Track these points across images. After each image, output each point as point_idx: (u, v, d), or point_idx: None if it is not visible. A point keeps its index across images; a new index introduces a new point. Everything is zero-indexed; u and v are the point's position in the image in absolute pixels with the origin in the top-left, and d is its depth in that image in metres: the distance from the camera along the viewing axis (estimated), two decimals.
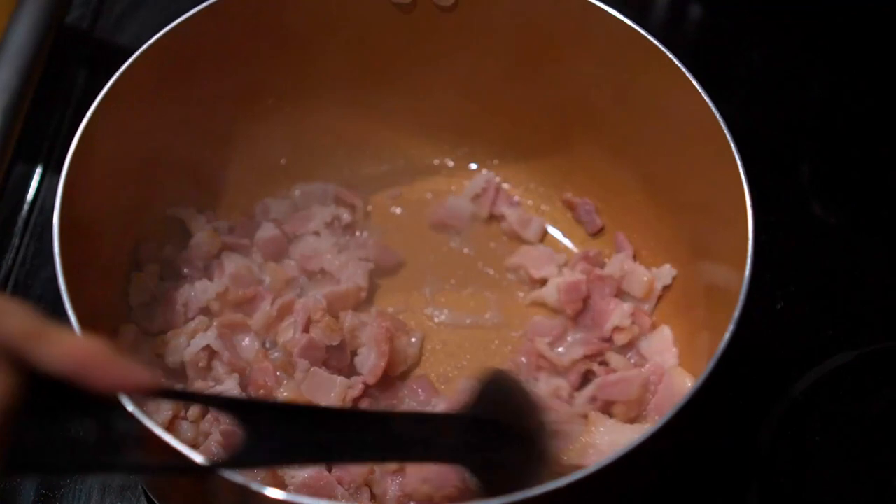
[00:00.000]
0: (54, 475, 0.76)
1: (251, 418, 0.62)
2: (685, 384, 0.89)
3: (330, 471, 0.85)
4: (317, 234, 1.01)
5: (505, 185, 1.08)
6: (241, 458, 0.62)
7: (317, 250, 1.00)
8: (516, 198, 1.07)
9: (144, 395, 0.55)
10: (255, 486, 0.65)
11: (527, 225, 1.05)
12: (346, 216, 1.03)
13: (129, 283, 0.94)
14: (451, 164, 1.10)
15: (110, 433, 0.55)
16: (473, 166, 1.09)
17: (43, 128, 1.14)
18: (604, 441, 0.86)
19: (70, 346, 0.52)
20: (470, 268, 1.03)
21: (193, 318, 0.94)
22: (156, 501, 0.87)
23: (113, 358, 0.53)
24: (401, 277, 1.03)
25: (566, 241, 1.06)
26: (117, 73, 0.86)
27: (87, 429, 0.54)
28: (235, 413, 0.62)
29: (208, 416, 0.87)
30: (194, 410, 0.87)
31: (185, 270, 0.98)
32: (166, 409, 0.86)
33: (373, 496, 0.86)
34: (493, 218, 1.06)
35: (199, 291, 0.95)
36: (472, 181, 1.07)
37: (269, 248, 1.00)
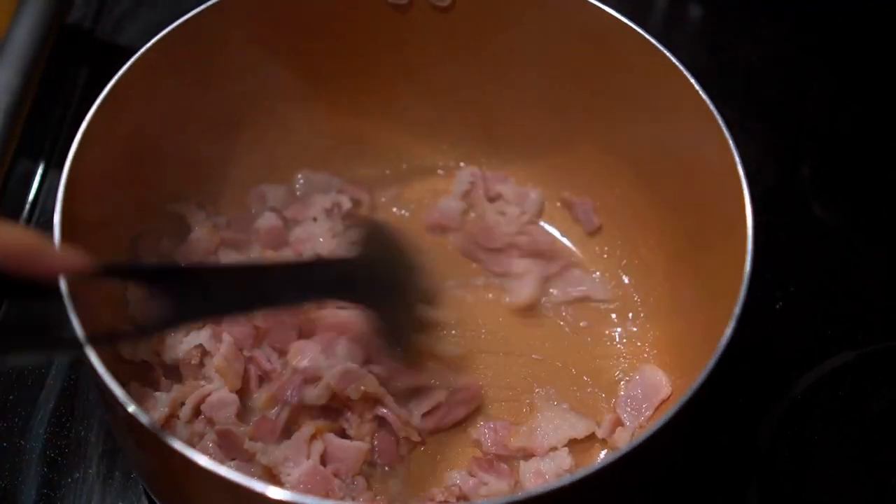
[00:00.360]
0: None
1: (167, 285, 0.66)
2: (660, 379, 0.91)
3: (324, 465, 0.85)
4: (314, 219, 1.02)
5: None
6: (165, 318, 0.66)
7: (311, 234, 1.01)
8: (503, 174, 1.08)
9: (81, 277, 0.57)
10: (255, 486, 0.65)
11: (524, 198, 1.06)
12: (346, 203, 1.03)
13: None
14: (449, 164, 1.10)
15: (50, 315, 0.58)
16: (472, 166, 1.09)
17: (44, 127, 1.14)
18: (550, 426, 0.90)
19: (3, 239, 0.53)
20: (469, 267, 1.03)
21: None
22: (156, 501, 0.87)
23: (45, 246, 0.54)
24: None
25: (564, 240, 1.06)
26: (118, 74, 0.86)
27: (30, 312, 0.56)
28: (155, 281, 0.66)
29: (202, 416, 0.87)
30: (186, 411, 0.87)
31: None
32: (163, 405, 0.87)
33: (369, 487, 0.86)
34: (492, 200, 1.07)
35: None
36: (456, 180, 1.07)
37: (269, 238, 1.00)
